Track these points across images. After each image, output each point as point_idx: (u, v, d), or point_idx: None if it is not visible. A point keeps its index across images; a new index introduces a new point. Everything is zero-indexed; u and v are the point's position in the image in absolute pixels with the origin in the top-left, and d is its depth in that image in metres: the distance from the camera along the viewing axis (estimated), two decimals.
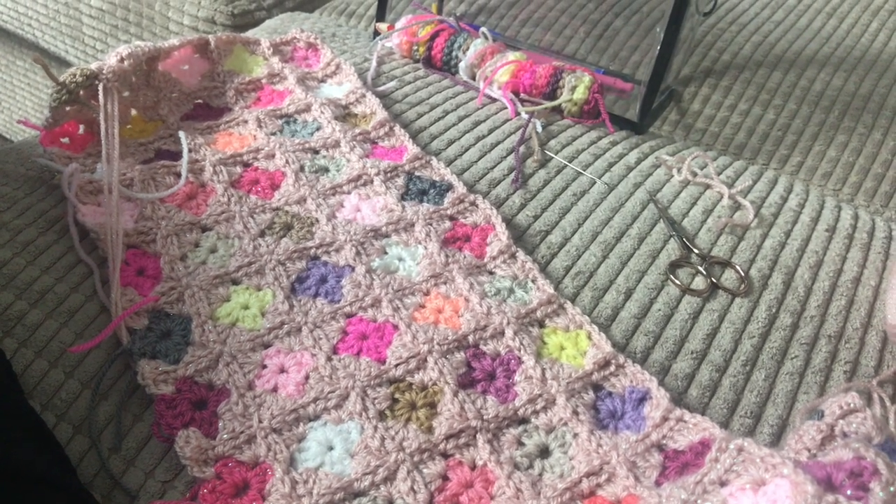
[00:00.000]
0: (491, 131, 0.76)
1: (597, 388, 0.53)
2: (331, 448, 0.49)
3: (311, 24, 0.96)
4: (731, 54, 0.95)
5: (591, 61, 0.92)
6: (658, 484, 0.47)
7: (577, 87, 0.78)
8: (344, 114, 0.75)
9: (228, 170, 0.67)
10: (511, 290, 0.60)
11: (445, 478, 0.48)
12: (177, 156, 0.68)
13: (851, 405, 0.47)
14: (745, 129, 0.87)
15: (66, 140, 0.68)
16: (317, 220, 0.63)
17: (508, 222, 0.66)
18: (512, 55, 0.82)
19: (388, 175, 0.68)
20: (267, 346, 0.54)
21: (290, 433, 0.49)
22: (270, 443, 0.49)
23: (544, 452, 0.50)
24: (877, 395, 0.55)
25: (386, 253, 0.62)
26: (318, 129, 0.72)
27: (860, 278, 0.65)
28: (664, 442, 0.50)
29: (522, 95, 0.80)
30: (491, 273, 0.61)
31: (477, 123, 0.77)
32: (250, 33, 0.94)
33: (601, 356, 0.55)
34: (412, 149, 0.71)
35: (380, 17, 0.92)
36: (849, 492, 0.38)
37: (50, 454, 0.49)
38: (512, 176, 0.71)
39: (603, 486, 0.48)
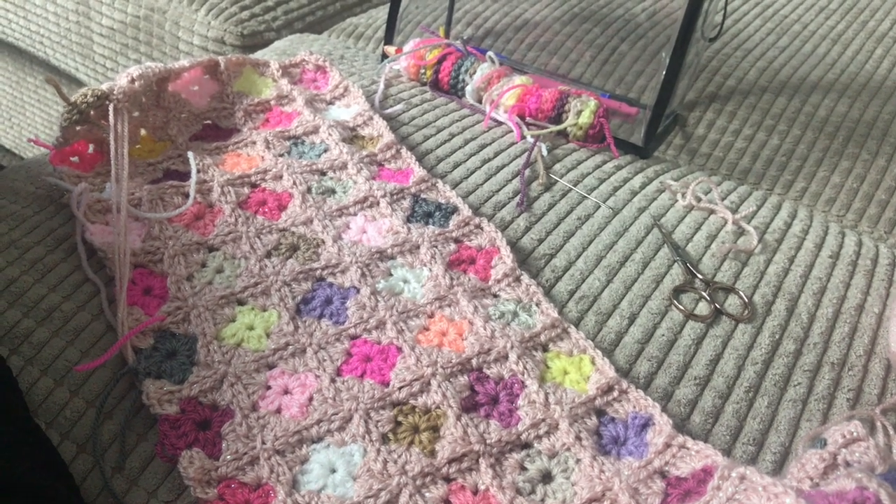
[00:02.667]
0: (497, 154, 0.77)
1: (600, 413, 0.54)
2: (333, 470, 0.49)
3: (319, 46, 0.97)
4: (736, 79, 0.96)
5: (596, 85, 0.93)
6: None
7: (582, 111, 0.79)
8: (351, 136, 0.76)
9: (236, 190, 0.67)
10: (515, 314, 0.60)
11: (448, 502, 0.48)
12: (185, 176, 0.69)
13: (854, 434, 0.47)
14: (749, 154, 0.88)
15: (75, 159, 0.69)
16: (323, 242, 0.64)
17: (513, 245, 0.66)
18: (518, 79, 0.82)
19: (395, 197, 0.68)
20: (271, 367, 0.55)
21: (293, 455, 0.50)
22: (273, 464, 0.49)
23: (547, 478, 0.50)
24: (880, 424, 0.55)
25: (391, 275, 0.62)
26: (325, 150, 0.73)
27: (863, 305, 0.65)
28: (667, 469, 0.50)
29: (528, 119, 0.81)
30: (495, 296, 0.61)
31: (483, 146, 0.78)
32: (259, 54, 0.95)
33: (604, 381, 0.55)
34: (418, 171, 0.71)
35: (388, 40, 0.93)
36: None
37: (53, 473, 0.49)
38: (517, 199, 0.71)
39: None
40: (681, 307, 0.63)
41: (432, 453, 0.50)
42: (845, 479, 0.42)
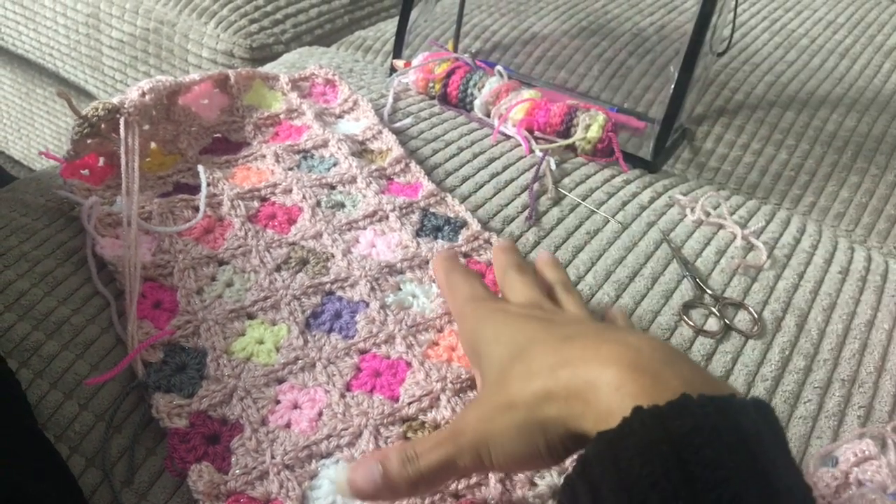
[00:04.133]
0: (505, 168, 0.77)
1: None
2: None
3: (328, 59, 0.97)
4: (745, 94, 0.96)
5: (604, 99, 0.93)
6: None
7: (591, 125, 0.79)
8: (361, 150, 0.76)
9: (246, 204, 0.67)
10: None
11: None
12: (195, 189, 0.69)
13: (866, 452, 0.47)
14: (757, 168, 0.88)
15: (86, 172, 0.69)
16: (332, 256, 0.64)
17: None
18: (527, 93, 0.83)
19: (404, 211, 0.68)
20: (281, 381, 0.55)
21: (303, 470, 0.49)
22: (283, 479, 0.49)
23: (557, 493, 0.50)
24: (891, 442, 0.55)
25: (400, 289, 0.62)
26: (334, 164, 0.73)
27: (873, 321, 0.65)
28: None
29: (537, 133, 0.81)
30: None
31: (491, 160, 0.78)
32: (268, 67, 0.95)
33: None
34: (427, 185, 0.71)
35: (396, 53, 0.93)
36: None
37: (62, 486, 0.49)
38: (526, 213, 0.71)
39: None
40: (690, 323, 0.62)
41: None
42: (858, 499, 0.41)
